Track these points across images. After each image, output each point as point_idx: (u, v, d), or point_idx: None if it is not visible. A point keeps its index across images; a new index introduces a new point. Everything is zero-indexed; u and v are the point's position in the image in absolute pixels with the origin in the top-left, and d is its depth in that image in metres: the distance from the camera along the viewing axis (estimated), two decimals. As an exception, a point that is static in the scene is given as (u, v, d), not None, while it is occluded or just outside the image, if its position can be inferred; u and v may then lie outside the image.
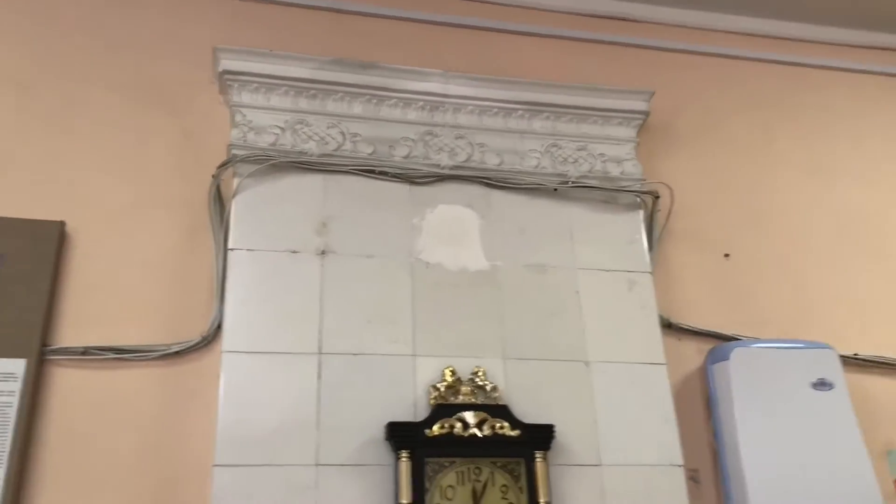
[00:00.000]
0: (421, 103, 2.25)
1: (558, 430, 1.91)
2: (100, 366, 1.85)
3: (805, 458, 2.00)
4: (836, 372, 2.14)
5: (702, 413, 2.18)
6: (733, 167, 2.57)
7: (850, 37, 2.91)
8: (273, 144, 2.09)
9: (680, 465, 1.99)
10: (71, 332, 1.86)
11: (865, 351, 2.34)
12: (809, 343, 2.21)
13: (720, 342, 2.24)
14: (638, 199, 2.31)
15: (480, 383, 1.93)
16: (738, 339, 2.23)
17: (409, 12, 2.49)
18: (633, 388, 2.06)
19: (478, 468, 1.84)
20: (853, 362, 2.29)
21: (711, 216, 2.46)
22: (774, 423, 2.04)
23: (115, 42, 2.23)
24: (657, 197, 2.34)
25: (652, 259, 2.26)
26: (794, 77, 2.80)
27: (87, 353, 1.84)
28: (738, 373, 2.10)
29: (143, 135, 2.13)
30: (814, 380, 2.12)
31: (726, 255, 2.41)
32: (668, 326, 2.22)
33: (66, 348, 1.84)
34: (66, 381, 1.82)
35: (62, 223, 1.95)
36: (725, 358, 2.13)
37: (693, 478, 2.07)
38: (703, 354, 2.23)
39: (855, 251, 2.53)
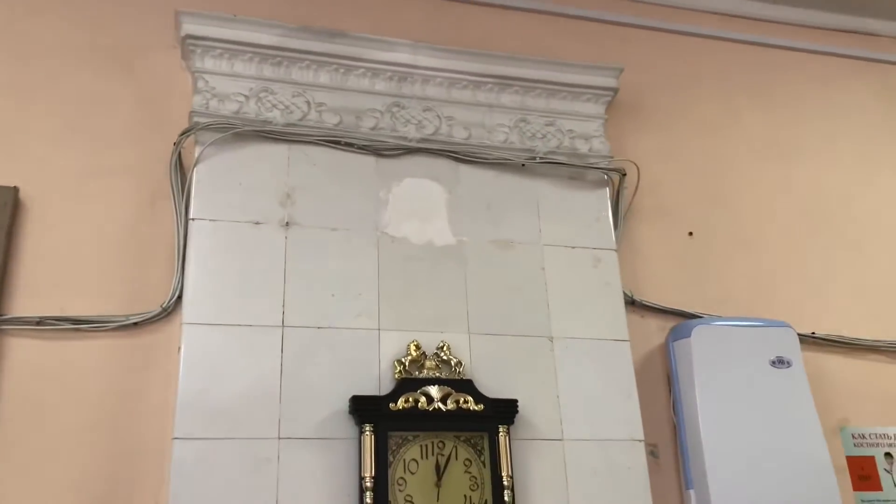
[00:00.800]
0: (389, 74, 2.22)
1: (522, 404, 1.93)
2: (55, 336, 1.81)
3: (762, 434, 2.05)
4: (794, 350, 2.19)
5: (663, 389, 2.21)
6: (700, 146, 2.59)
7: (818, 19, 2.94)
8: (236, 112, 2.05)
9: (641, 440, 2.03)
10: (25, 301, 1.82)
11: (822, 330, 2.39)
12: (769, 321, 2.25)
13: (682, 320, 2.27)
14: (605, 177, 2.32)
15: (445, 358, 1.94)
16: (699, 317, 2.27)
17: (379, -20, 2.46)
18: (597, 363, 2.08)
19: (441, 442, 1.85)
20: (810, 340, 2.35)
21: (677, 194, 2.48)
22: (733, 399, 2.08)
23: (73, 4, 2.16)
24: (624, 174, 2.35)
25: (617, 236, 2.28)
26: (762, 57, 2.83)
27: (43, 324, 1.80)
28: (698, 350, 2.13)
29: (101, 99, 2.07)
30: (772, 357, 2.16)
31: (690, 234, 2.44)
32: (631, 303, 2.25)
33: (20, 318, 1.79)
34: (20, 352, 1.78)
35: (16, 189, 1.89)
36: (687, 335, 2.16)
37: (653, 452, 2.11)
38: (665, 331, 2.25)
39: (816, 231, 2.58)
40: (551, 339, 2.08)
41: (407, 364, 1.90)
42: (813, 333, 2.37)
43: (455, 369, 1.93)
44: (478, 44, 2.39)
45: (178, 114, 2.06)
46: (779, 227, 2.55)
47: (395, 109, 2.21)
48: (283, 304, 1.91)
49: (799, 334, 2.23)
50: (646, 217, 2.40)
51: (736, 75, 2.76)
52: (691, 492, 2.04)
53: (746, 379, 2.12)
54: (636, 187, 2.38)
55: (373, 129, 2.16)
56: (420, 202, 2.14)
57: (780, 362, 2.16)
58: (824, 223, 2.60)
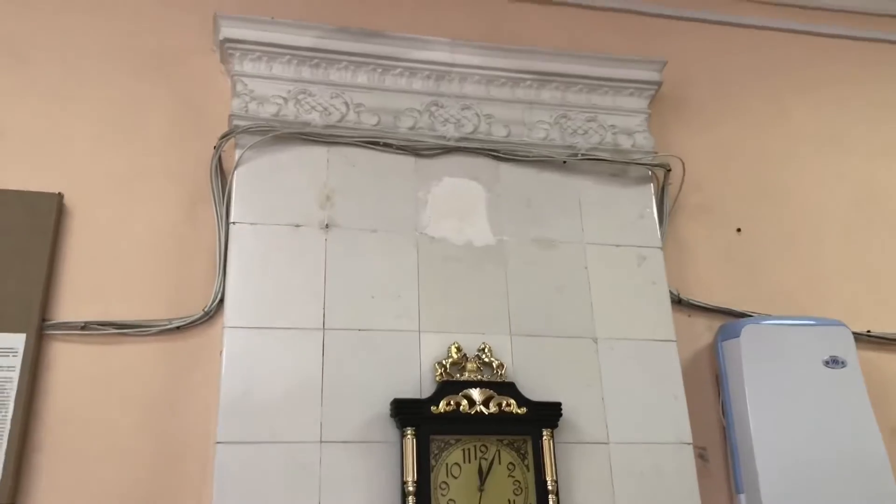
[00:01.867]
0: (426, 73, 2.21)
1: (566, 407, 1.89)
2: (100, 341, 1.84)
3: (816, 436, 1.99)
4: (848, 349, 2.11)
5: (711, 390, 2.16)
6: (746, 140, 2.52)
7: (865, 4, 2.83)
8: (275, 115, 2.05)
9: (689, 443, 1.98)
10: (70, 306, 1.85)
11: (879, 328, 2.31)
12: (822, 320, 2.18)
13: (731, 319, 2.21)
14: (649, 173, 2.28)
15: (486, 360, 1.91)
16: (749, 316, 2.21)
17: (415, -22, 2.44)
18: (642, 364, 2.04)
19: (484, 446, 1.82)
20: (866, 339, 2.27)
21: (723, 190, 2.42)
22: (785, 401, 2.02)
23: (113, 9, 2.19)
24: (669, 170, 2.30)
25: (662, 234, 2.23)
26: (808, 46, 2.74)
27: (87, 328, 1.82)
28: (748, 350, 2.07)
29: (142, 105, 2.09)
30: (826, 357, 2.09)
31: (738, 230, 2.38)
32: (678, 302, 2.20)
33: (66, 323, 1.82)
34: (66, 357, 1.81)
35: (60, 195, 1.92)
36: (736, 335, 2.10)
37: (702, 455, 2.06)
38: (713, 331, 2.20)
39: (869, 226, 2.50)
40: (595, 339, 2.04)
41: (448, 366, 1.88)
42: (868, 332, 2.29)
43: (497, 371, 1.91)
44: (516, 40, 2.36)
45: (217, 117, 2.07)
46: (830, 221, 2.47)
47: (433, 108, 2.19)
48: (324, 307, 1.90)
49: (854, 333, 2.15)
50: (692, 214, 2.35)
51: (781, 65, 2.68)
52: (742, 496, 1.98)
53: (799, 380, 2.05)
54: (681, 183, 2.32)
55: (411, 128, 2.15)
56: (459, 202, 2.12)
57: (834, 362, 2.09)
58: (878, 216, 2.51)
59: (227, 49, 2.09)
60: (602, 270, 2.13)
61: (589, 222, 2.18)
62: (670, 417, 2.00)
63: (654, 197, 2.25)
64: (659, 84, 2.35)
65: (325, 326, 1.88)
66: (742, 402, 2.02)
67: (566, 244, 2.14)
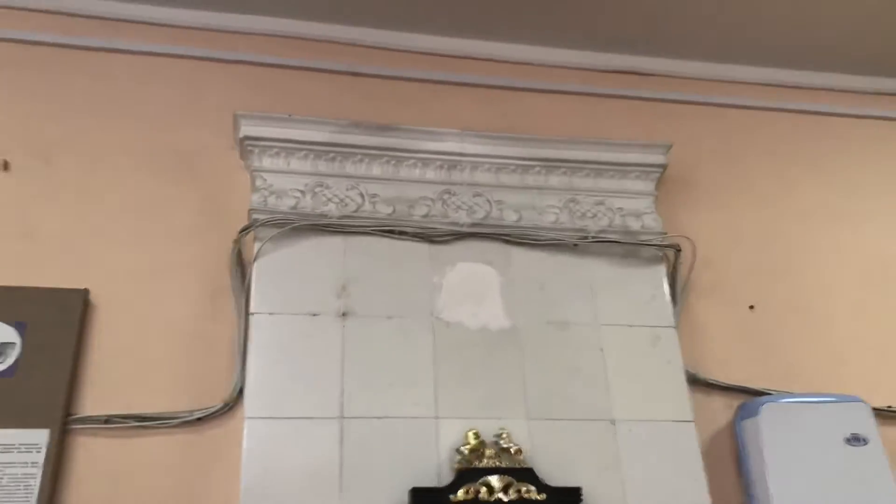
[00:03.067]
0: (438, 163, 2.28)
1: (586, 492, 1.89)
2: (122, 434, 1.86)
3: (842, 517, 1.96)
4: (869, 426, 2.10)
5: (732, 471, 2.14)
6: (755, 217, 2.57)
7: (870, 84, 2.91)
8: (293, 208, 2.13)
9: (712, 527, 1.96)
10: (94, 400, 1.88)
11: (900, 403, 2.30)
12: (841, 396, 2.17)
13: (749, 397, 2.21)
14: (659, 253, 2.32)
15: (505, 445, 1.92)
16: (767, 394, 2.20)
17: (425, 73, 2.54)
18: (661, 446, 2.04)
19: (504, 534, 1.81)
20: (888, 415, 2.25)
21: (735, 268, 2.45)
22: (807, 480, 2.00)
23: (137, 111, 2.29)
24: (679, 250, 2.34)
25: (676, 313, 2.25)
26: (812, 125, 2.81)
27: (110, 422, 1.86)
28: (768, 429, 2.06)
29: (164, 201, 2.17)
30: (847, 435, 2.07)
31: (751, 307, 2.40)
32: (694, 382, 2.20)
33: (89, 417, 1.85)
34: (88, 451, 1.83)
35: (86, 291, 1.98)
36: (755, 414, 2.10)
37: (725, 538, 2.03)
38: (732, 410, 2.20)
39: (883, 299, 2.51)
40: (613, 422, 2.05)
41: (466, 453, 1.89)
42: (889, 407, 2.28)
43: (515, 457, 1.91)
44: (523, 128, 2.44)
45: (237, 211, 2.14)
46: (844, 295, 2.48)
47: (445, 196, 2.26)
48: (342, 395, 1.93)
49: (874, 409, 2.14)
50: (704, 292, 2.38)
51: (787, 145, 2.74)
52: (769, 580, 1.95)
53: (820, 459, 2.03)
54: (692, 263, 2.36)
55: (425, 216, 2.21)
56: (474, 286, 2.16)
57: (855, 440, 2.07)
58: (891, 289, 2.52)
59: (246, 146, 2.18)
60: (617, 351, 2.14)
61: (602, 304, 2.21)
62: (691, 500, 1.98)
63: (665, 277, 2.29)
64: (664, 166, 2.41)
65: (344, 415, 1.91)
66: (763, 483, 2.01)
67: (580, 326, 2.17)
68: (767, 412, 2.09)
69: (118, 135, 2.24)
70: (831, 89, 2.89)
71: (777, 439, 2.05)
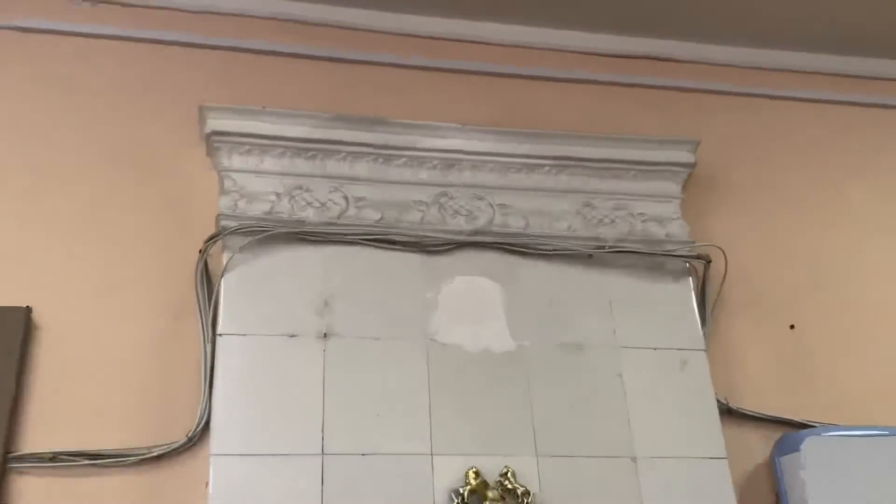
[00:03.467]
0: (434, 161, 2.29)
1: (603, 539, 1.89)
2: (71, 473, 1.85)
3: (896, 567, 1.96)
4: (928, 462, 2.11)
5: (771, 514, 2.15)
6: (796, 225, 2.58)
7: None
8: (268, 213, 2.13)
9: (748, 578, 1.96)
10: (39, 435, 1.87)
11: (961, 436, 2.30)
12: (893, 429, 2.17)
13: (789, 430, 2.21)
14: (686, 265, 2.33)
15: (510, 486, 1.92)
16: (810, 426, 2.21)
17: (419, 59, 2.56)
18: (690, 486, 2.04)
19: (510, 588, 1.82)
20: (947, 449, 2.26)
21: (773, 282, 2.46)
22: (858, 525, 2.01)
23: (89, 101, 2.29)
24: (709, 262, 2.35)
25: (706, 334, 2.26)
26: (862, 118, 2.83)
27: (57, 460, 1.84)
28: (812, 466, 2.07)
29: (119, 207, 2.17)
30: (901, 472, 2.08)
31: (791, 327, 2.41)
32: (727, 412, 2.21)
33: (34, 454, 1.84)
34: (32, 492, 1.82)
35: (28, 309, 1.97)
36: (796, 448, 2.10)
37: (763, 590, 2.04)
38: (770, 444, 2.21)
39: (942, 317, 2.52)
40: (634, 459, 2.05)
41: (466, 495, 1.89)
42: (950, 440, 2.28)
43: (522, 500, 1.91)
44: (532, 122, 2.46)
45: (203, 218, 2.14)
46: (896, 314, 2.50)
47: (442, 200, 2.27)
48: (323, 429, 1.93)
49: (932, 442, 2.15)
50: (738, 310, 2.39)
51: (831, 141, 2.77)
52: None
53: (871, 499, 2.03)
54: (724, 276, 2.36)
55: (418, 223, 2.22)
56: (474, 303, 2.17)
57: (912, 478, 2.08)
58: (951, 306, 2.54)
59: (213, 143, 2.18)
60: (639, 378, 2.15)
61: (621, 323, 2.22)
62: (725, 548, 1.99)
63: (693, 292, 2.30)
64: (693, 166, 2.43)
65: (325, 451, 1.90)
66: (807, 528, 2.01)
67: (596, 348, 2.17)
68: (811, 447, 2.09)
69: (65, 131, 2.24)
70: (881, 77, 2.90)
71: (822, 478, 2.05)
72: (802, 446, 2.09)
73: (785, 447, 2.15)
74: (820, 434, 2.14)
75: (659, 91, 2.71)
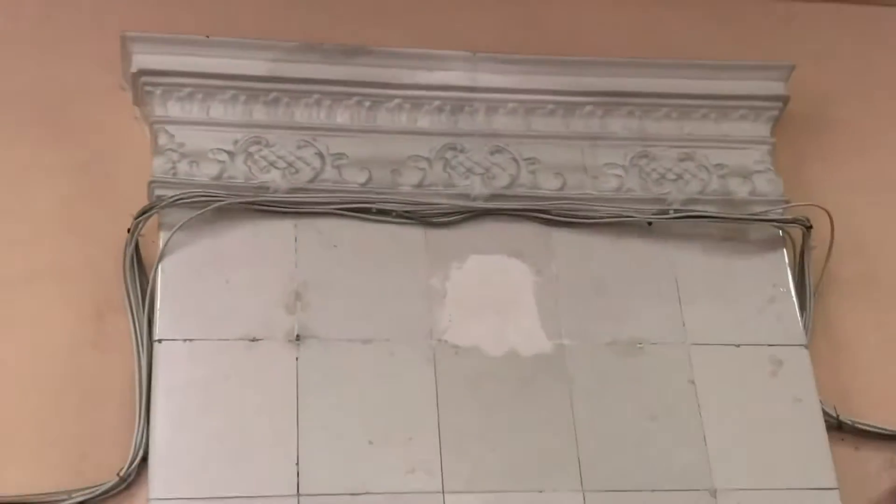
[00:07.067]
0: (437, 103, 2.29)
1: None
2: (-31, 530, 1.87)
3: None
4: None
5: (898, 558, 2.15)
6: (926, 176, 2.56)
7: None
8: (217, 178, 2.13)
9: None
10: (-77, 482, 1.88)
11: None
12: None
13: (920, 449, 2.20)
14: (780, 233, 2.32)
15: (548, 533, 1.93)
16: (947, 444, 2.20)
17: (413, -34, 2.55)
18: (789, 528, 2.04)
19: None
20: None
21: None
22: None
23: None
24: (809, 227, 2.33)
25: (807, 324, 2.26)
26: None
27: (-51, 514, 1.86)
28: (950, 496, 2.07)
29: (22, 174, 2.17)
30: None
31: (923, 312, 2.39)
32: (838, 428, 2.20)
33: (-85, 509, 1.86)
34: None
35: None
36: (931, 476, 2.10)
37: None
38: (895, 470, 2.19)
39: None
40: (714, 492, 2.04)
41: (488, 547, 1.89)
42: None
43: (564, 550, 1.91)
44: (565, 48, 2.45)
45: (132, 185, 2.14)
46: None
47: (448, 155, 2.26)
48: (298, 462, 1.92)
49: None
50: (849, 291, 2.39)
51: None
52: None
53: None
54: (830, 245, 2.35)
55: (417, 186, 2.22)
56: (494, 291, 2.18)
57: None
58: None
59: (142, 85, 2.17)
60: (716, 384, 2.15)
61: (692, 313, 2.21)
62: None
63: (789, 269, 2.30)
64: (785, 99, 2.42)
65: (300, 491, 1.90)
66: (945, 579, 2.01)
67: (660, 346, 2.17)
68: (949, 471, 2.09)
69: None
70: None
71: (965, 512, 2.05)
72: (938, 470, 2.09)
73: (915, 471, 2.14)
74: (961, 454, 2.14)
75: (734, 1, 2.69)
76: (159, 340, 1.99)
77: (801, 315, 2.26)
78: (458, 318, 2.12)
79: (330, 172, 2.19)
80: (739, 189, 2.33)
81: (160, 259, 2.05)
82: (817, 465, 2.10)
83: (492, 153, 2.28)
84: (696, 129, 2.39)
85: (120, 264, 2.07)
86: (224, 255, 2.09)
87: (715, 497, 2.04)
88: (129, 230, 2.07)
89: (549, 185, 2.27)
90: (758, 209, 2.31)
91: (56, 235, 2.13)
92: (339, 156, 2.21)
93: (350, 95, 2.25)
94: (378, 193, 2.19)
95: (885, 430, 2.24)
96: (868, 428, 2.23)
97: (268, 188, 2.14)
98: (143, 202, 2.10)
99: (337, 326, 2.06)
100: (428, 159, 2.25)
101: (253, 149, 2.18)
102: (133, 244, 2.07)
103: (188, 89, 2.18)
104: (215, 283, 2.06)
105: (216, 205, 2.08)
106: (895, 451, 2.23)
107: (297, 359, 2.02)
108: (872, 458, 2.23)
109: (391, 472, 1.95)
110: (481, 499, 1.95)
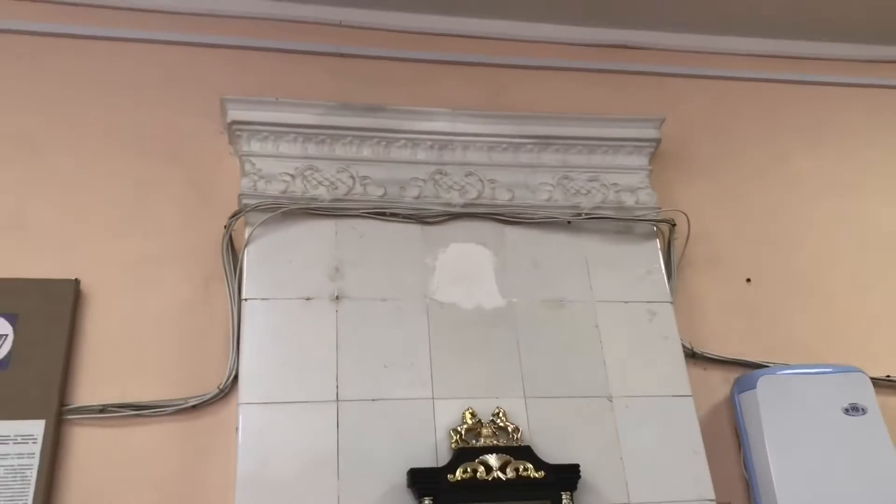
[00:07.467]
0: (429, 143, 2.27)
1: (584, 469, 1.89)
2: (118, 423, 1.87)
3: (840, 486, 1.97)
4: (868, 396, 2.10)
5: (732, 444, 2.16)
6: (750, 190, 2.56)
7: (863, 52, 2.91)
8: (283, 192, 2.12)
9: (712, 500, 1.97)
10: (89, 390, 1.89)
11: (898, 372, 2.31)
12: (839, 367, 2.17)
13: (747, 370, 2.21)
14: (654, 228, 2.31)
15: (502, 424, 1.93)
16: (765, 367, 2.21)
17: (414, 53, 2.53)
18: (660, 421, 2.04)
19: (503, 512, 1.83)
20: (886, 384, 2.26)
21: (731, 241, 2.45)
22: (807, 451, 2.01)
23: (123, 98, 2.27)
24: (674, 225, 2.33)
25: (672, 288, 2.25)
26: (808, 95, 2.80)
27: (105, 411, 1.86)
28: (766, 401, 2.07)
29: (154, 188, 2.16)
30: (845, 405, 2.08)
31: (748, 280, 2.40)
32: (692, 356, 2.20)
33: (85, 407, 1.86)
34: (84, 441, 1.84)
35: (76, 281, 1.98)
36: (752, 386, 2.10)
37: (726, 511, 2.04)
38: (729, 384, 2.21)
39: (880, 269, 2.51)
40: (610, 398, 2.05)
41: (463, 433, 1.90)
42: (888, 377, 2.29)
43: (513, 436, 1.92)
44: (516, 106, 2.44)
45: (227, 197, 2.14)
46: (841, 266, 2.49)
47: (437, 177, 2.25)
48: (337, 378, 1.93)
49: (872, 378, 2.14)
50: (700, 267, 2.38)
51: (781, 115, 2.74)
52: (770, 551, 1.96)
53: (819, 429, 2.04)
54: (687, 237, 2.36)
55: (417, 197, 2.20)
56: (467, 266, 2.16)
57: (854, 409, 2.08)
58: (889, 259, 2.53)
59: (234, 130, 2.17)
60: (613, 328, 2.15)
61: (597, 280, 2.21)
62: (691, 474, 1.99)
63: (660, 252, 2.29)
64: (658, 141, 2.40)
65: (339, 398, 1.91)
66: (763, 455, 2.02)
67: (575, 303, 2.17)
68: (765, 384, 2.09)
69: (104, 122, 2.23)
70: (825, 58, 2.88)
71: (775, 411, 2.06)
72: (758, 384, 2.10)
73: (743, 385, 2.16)
74: (774, 373, 2.15)
75: (628, 76, 2.68)
76: (246, 299, 1.99)
77: (668, 282, 2.25)
78: (444, 284, 2.11)
79: (359, 189, 2.18)
80: (628, 200, 2.33)
81: (246, 245, 2.05)
82: (678, 380, 2.11)
83: (466, 176, 2.27)
84: (600, 161, 2.37)
85: (220, 249, 2.07)
86: (288, 243, 2.08)
87: (611, 401, 2.04)
88: (225, 227, 2.08)
89: (503, 197, 2.26)
90: (640, 213, 2.31)
91: (177, 230, 2.12)
92: (365, 178, 2.20)
93: (372, 137, 2.24)
94: (390, 202, 2.18)
95: (722, 357, 2.25)
96: (712, 356, 2.24)
97: (317, 199, 2.13)
98: (234, 208, 2.10)
99: (363, 290, 2.06)
100: (424, 180, 2.24)
101: (307, 172, 2.17)
102: (228, 236, 2.08)
103: (264, 133, 2.17)
104: (282, 261, 2.05)
105: (282, 210, 2.08)
106: (729, 371, 2.23)
107: (336, 311, 2.02)
108: (714, 376, 2.23)
109: (398, 385, 1.96)
110: (458, 403, 1.96)
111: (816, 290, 2.43)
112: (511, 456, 1.86)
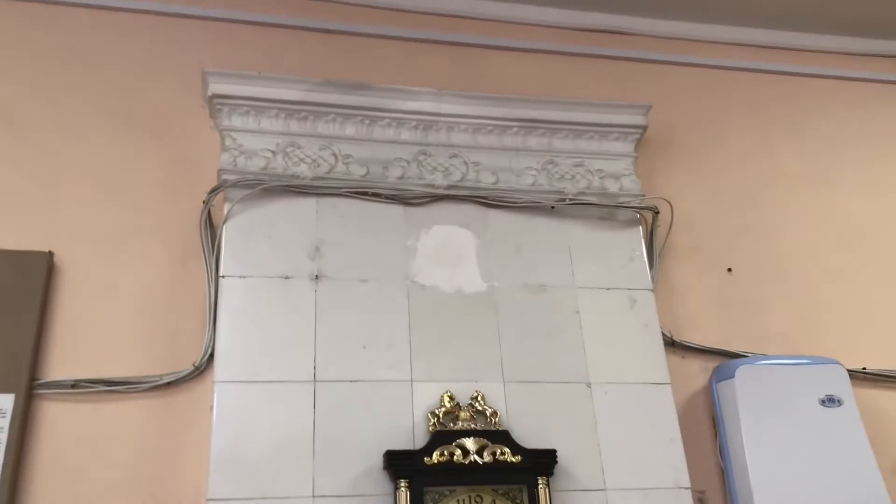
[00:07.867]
0: (414, 123, 2.25)
1: (561, 454, 1.89)
2: (90, 399, 1.84)
3: (815, 476, 1.98)
4: (844, 387, 2.12)
5: (708, 433, 2.16)
6: (734, 180, 2.56)
7: (849, 45, 2.91)
8: (264, 168, 2.09)
9: (687, 488, 1.97)
10: (60, 364, 1.85)
11: (874, 365, 2.32)
12: (816, 358, 2.19)
13: (725, 359, 2.22)
14: (637, 216, 2.30)
15: (480, 408, 1.92)
16: (743, 356, 2.22)
17: (401, 31, 2.49)
18: (637, 408, 2.04)
19: (479, 496, 1.82)
20: (862, 377, 2.28)
21: (713, 231, 2.45)
22: (782, 441, 2.02)
23: (102, 68, 2.23)
24: (657, 212, 2.33)
25: (653, 276, 2.25)
26: (793, 87, 2.80)
27: (77, 387, 1.83)
28: (743, 391, 2.08)
29: (131, 161, 2.12)
30: (822, 396, 2.09)
31: (729, 270, 2.40)
32: (671, 344, 2.21)
33: (56, 382, 1.82)
34: (55, 416, 1.81)
35: (50, 254, 1.94)
36: (731, 376, 2.11)
37: (701, 500, 2.06)
38: (708, 372, 2.21)
39: (860, 262, 2.52)
40: (589, 384, 2.05)
41: (441, 416, 1.88)
42: (864, 369, 2.30)
43: (490, 420, 1.91)
44: (502, 88, 2.41)
45: (207, 172, 2.10)
46: (821, 258, 2.49)
47: (421, 158, 2.23)
48: (315, 359, 1.91)
49: (849, 370, 2.16)
50: (682, 255, 2.37)
51: (766, 106, 2.74)
52: (743, 540, 1.97)
53: (795, 420, 2.05)
54: (670, 225, 2.35)
55: (400, 178, 2.18)
56: (449, 249, 2.14)
57: (830, 401, 2.09)
58: (868, 252, 2.54)
59: (215, 104, 2.13)
60: (594, 314, 2.14)
61: (579, 266, 2.20)
62: (667, 462, 1.99)
63: (643, 239, 2.28)
64: (644, 128, 2.39)
65: (316, 378, 1.89)
66: (739, 444, 2.02)
67: (557, 289, 2.16)
68: (743, 374, 2.10)
69: (82, 93, 2.18)
70: (811, 50, 2.88)
71: (752, 401, 2.07)
72: (736, 373, 2.11)
73: (721, 374, 2.16)
74: (752, 363, 2.16)
75: (615, 61, 2.66)
76: (223, 276, 1.96)
77: (650, 270, 2.25)
78: (425, 267, 2.10)
79: (341, 167, 2.15)
80: (612, 186, 2.32)
81: (224, 222, 2.02)
82: (657, 368, 2.11)
83: (450, 157, 2.25)
84: (585, 146, 2.36)
85: (197, 225, 2.04)
86: (267, 220, 2.05)
87: (589, 387, 2.04)
88: (203, 202, 2.05)
89: (487, 180, 2.24)
90: (624, 200, 2.30)
91: (154, 204, 2.08)
92: (347, 156, 2.17)
93: (355, 115, 2.21)
94: (373, 182, 2.15)
95: (701, 346, 2.25)
96: (690, 344, 2.25)
97: (298, 176, 2.10)
98: (214, 183, 2.07)
99: (343, 270, 2.04)
100: (407, 160, 2.21)
101: (289, 149, 2.14)
102: (206, 212, 2.05)
103: (246, 108, 2.14)
104: (262, 239, 2.02)
105: (262, 186, 2.05)
106: (708, 360, 2.24)
107: (315, 291, 2.00)
108: (693, 364, 2.24)
109: (377, 366, 1.95)
110: (437, 386, 1.95)
111: (796, 282, 2.43)
112: (488, 440, 1.85)
